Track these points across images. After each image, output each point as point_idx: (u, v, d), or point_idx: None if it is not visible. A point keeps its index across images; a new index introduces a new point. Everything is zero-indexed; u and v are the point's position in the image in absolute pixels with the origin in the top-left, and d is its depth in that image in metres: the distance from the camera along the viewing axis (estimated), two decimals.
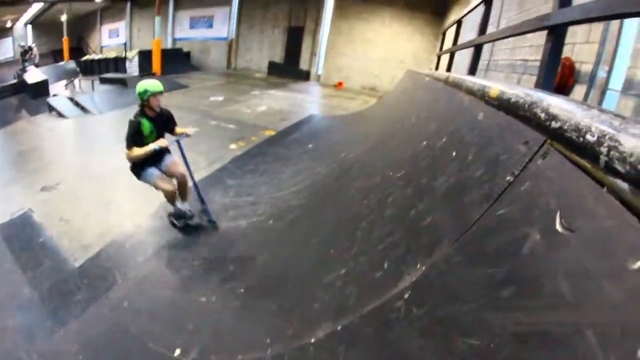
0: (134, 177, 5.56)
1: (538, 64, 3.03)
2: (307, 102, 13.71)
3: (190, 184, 4.59)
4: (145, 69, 18.58)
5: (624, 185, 0.73)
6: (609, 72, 3.61)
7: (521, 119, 1.29)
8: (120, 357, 2.67)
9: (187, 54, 24.39)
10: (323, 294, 1.87)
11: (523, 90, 1.42)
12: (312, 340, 1.48)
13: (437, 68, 10.80)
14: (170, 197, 4.40)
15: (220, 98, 13.23)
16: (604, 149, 0.80)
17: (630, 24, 3.37)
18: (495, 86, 1.69)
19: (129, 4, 29.25)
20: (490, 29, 7.20)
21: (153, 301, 3.13)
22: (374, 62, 19.31)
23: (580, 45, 4.10)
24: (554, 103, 1.13)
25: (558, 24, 2.62)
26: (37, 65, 20.09)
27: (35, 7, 28.05)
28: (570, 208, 0.85)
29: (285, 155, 6.31)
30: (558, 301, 0.74)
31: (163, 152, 4.51)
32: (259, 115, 10.37)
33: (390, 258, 1.61)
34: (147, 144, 4.27)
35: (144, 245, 4.23)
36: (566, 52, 4.32)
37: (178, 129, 4.66)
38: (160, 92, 4.33)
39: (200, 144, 6.89)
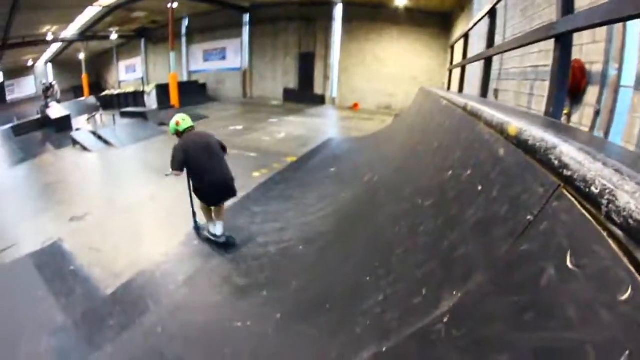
0: (159, 208, 5.71)
1: (548, 69, 3.04)
2: (325, 126, 13.89)
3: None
4: (164, 102, 19.08)
5: (619, 232, 0.87)
6: (620, 70, 3.61)
7: (538, 162, 1.36)
8: None
9: (203, 86, 24.93)
10: (363, 319, 1.91)
11: (539, 132, 1.47)
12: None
13: (449, 82, 10.86)
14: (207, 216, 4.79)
15: (240, 127, 13.49)
16: (604, 201, 0.92)
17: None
18: (514, 124, 1.74)
19: (143, 41, 30.40)
20: (497, 38, 7.27)
21: (187, 327, 3.17)
22: (386, 81, 19.58)
23: (588, 46, 4.10)
24: (567, 151, 1.20)
25: (563, 32, 2.66)
26: (59, 101, 20.64)
27: (55, 47, 29.41)
28: (579, 248, 0.95)
29: (309, 181, 6.38)
30: (567, 324, 0.87)
31: None
32: (278, 142, 10.51)
33: (428, 285, 1.65)
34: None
35: (174, 273, 4.28)
36: (575, 53, 4.31)
37: None
38: (192, 127, 4.92)
39: None
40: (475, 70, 6.77)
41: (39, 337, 3.45)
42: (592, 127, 3.91)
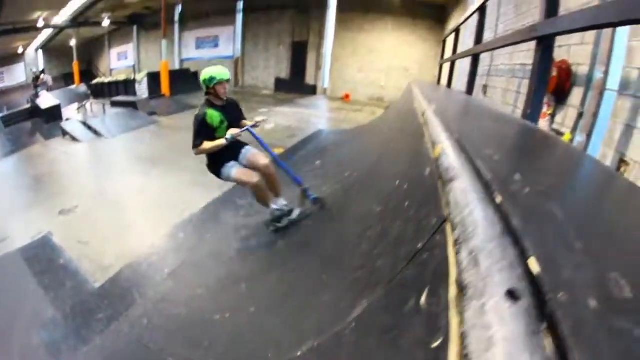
0: (147, 200, 5.76)
1: None
2: (315, 117, 13.95)
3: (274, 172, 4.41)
4: (155, 91, 19.13)
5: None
6: (606, 73, 3.63)
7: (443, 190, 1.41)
8: None
9: (195, 74, 24.69)
10: (314, 313, 2.08)
11: (451, 160, 1.53)
12: (298, 354, 1.66)
13: (439, 77, 10.99)
14: (260, 195, 4.25)
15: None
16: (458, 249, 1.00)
17: None
18: (440, 146, 1.80)
19: (135, 28, 30.13)
20: (489, 34, 7.39)
21: (170, 319, 3.31)
22: (379, 72, 19.60)
23: (576, 47, 4.16)
24: (454, 188, 1.28)
25: (545, 35, 2.75)
26: (49, 89, 20.54)
27: (45, 33, 29.06)
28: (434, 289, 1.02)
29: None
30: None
31: (240, 145, 4.39)
32: (267, 133, 10.57)
33: (353, 291, 1.78)
34: (218, 137, 4.08)
35: (161, 265, 4.42)
36: (562, 54, 4.44)
37: (245, 122, 4.50)
38: (227, 80, 4.15)
39: None
40: (466, 66, 6.87)
41: (31, 331, 3.60)
42: (574, 129, 4.01)
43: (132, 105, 16.02)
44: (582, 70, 4.09)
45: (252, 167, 4.28)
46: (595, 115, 3.70)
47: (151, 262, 4.56)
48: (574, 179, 1.52)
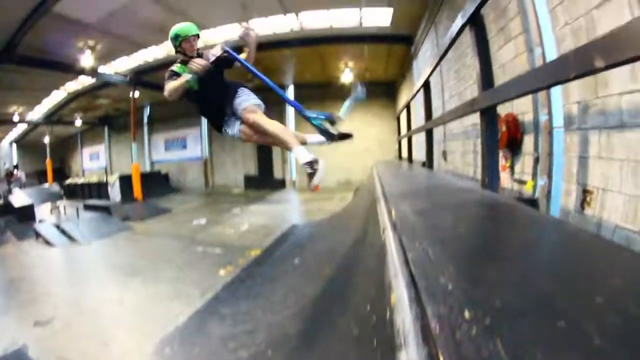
0: (126, 312, 5.62)
1: None
2: (287, 211, 14.24)
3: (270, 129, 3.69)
4: (127, 194, 19.26)
5: None
6: (549, 114, 3.94)
7: None
8: None
9: (166, 176, 25.25)
10: None
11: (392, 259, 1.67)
12: None
13: (400, 151, 11.49)
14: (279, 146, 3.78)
15: (203, 221, 13.63)
16: None
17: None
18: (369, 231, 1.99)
19: (106, 128, 30.83)
20: (437, 101, 7.92)
21: None
22: (342, 156, 20.05)
23: (517, 99, 4.54)
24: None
25: (485, 107, 3.00)
26: (22, 186, 20.47)
27: (20, 128, 29.66)
28: None
29: (274, 275, 6.53)
30: None
31: (232, 91, 3.85)
32: (243, 234, 10.72)
33: None
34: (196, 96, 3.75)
35: None
36: (507, 108, 4.81)
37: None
38: (195, 36, 3.76)
39: (191, 272, 7.11)
40: (422, 137, 7.28)
41: None
42: (534, 174, 4.28)
43: (106, 210, 15.95)
44: (527, 117, 4.42)
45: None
46: (550, 155, 3.94)
47: None
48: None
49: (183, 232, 11.77)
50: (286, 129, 3.89)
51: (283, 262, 7.16)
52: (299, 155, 3.65)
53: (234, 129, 3.80)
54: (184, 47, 3.75)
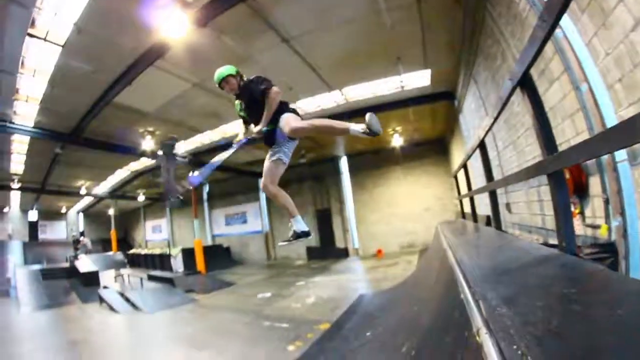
0: None
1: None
2: (352, 281, 13.82)
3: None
4: (190, 267, 19.68)
5: None
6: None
7: None
8: None
9: (228, 249, 25.61)
10: None
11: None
12: None
13: (462, 209, 11.00)
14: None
15: (268, 294, 13.35)
16: None
17: (604, 97, 3.57)
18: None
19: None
20: (492, 152, 7.56)
21: None
22: (403, 220, 20.19)
23: (574, 140, 4.25)
24: None
25: (553, 171, 2.73)
26: (88, 252, 21.56)
27: (87, 199, 31.60)
28: None
29: (346, 351, 6.14)
30: None
31: (274, 136, 4.13)
32: (309, 307, 10.36)
33: None
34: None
35: None
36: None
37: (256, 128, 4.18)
38: (224, 78, 4.18)
39: (258, 347, 6.79)
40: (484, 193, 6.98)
41: None
42: (607, 216, 3.92)
43: (170, 282, 16.32)
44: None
45: None
46: (619, 193, 3.63)
47: None
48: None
49: (248, 306, 11.51)
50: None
51: (355, 336, 6.74)
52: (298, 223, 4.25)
53: None
54: (224, 87, 4.21)
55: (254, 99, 4.08)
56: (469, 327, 2.02)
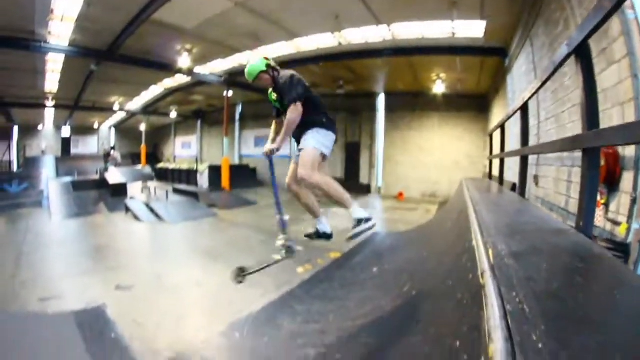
0: (204, 294, 5.72)
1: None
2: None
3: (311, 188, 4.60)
4: (215, 184, 20.18)
5: None
6: None
7: None
8: None
9: (254, 170, 25.86)
10: None
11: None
12: None
13: (490, 171, 10.90)
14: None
15: (287, 217, 13.38)
16: None
17: None
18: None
19: (199, 122, 33.03)
20: (532, 121, 7.43)
21: None
22: (430, 168, 20.04)
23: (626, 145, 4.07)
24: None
25: (590, 147, 2.70)
26: (117, 165, 22.14)
27: (119, 115, 32.50)
28: None
29: (351, 280, 6.37)
30: None
31: (304, 133, 4.36)
32: None
33: None
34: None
35: None
36: None
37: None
38: (257, 76, 4.25)
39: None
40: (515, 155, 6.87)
41: None
42: (630, 216, 3.86)
43: (194, 196, 16.80)
44: (629, 152, 3.98)
45: None
46: None
47: (203, 358, 4.44)
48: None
49: (266, 225, 11.66)
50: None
51: (362, 270, 6.95)
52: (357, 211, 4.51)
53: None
54: (259, 83, 4.32)
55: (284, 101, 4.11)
56: (474, 271, 2.16)
